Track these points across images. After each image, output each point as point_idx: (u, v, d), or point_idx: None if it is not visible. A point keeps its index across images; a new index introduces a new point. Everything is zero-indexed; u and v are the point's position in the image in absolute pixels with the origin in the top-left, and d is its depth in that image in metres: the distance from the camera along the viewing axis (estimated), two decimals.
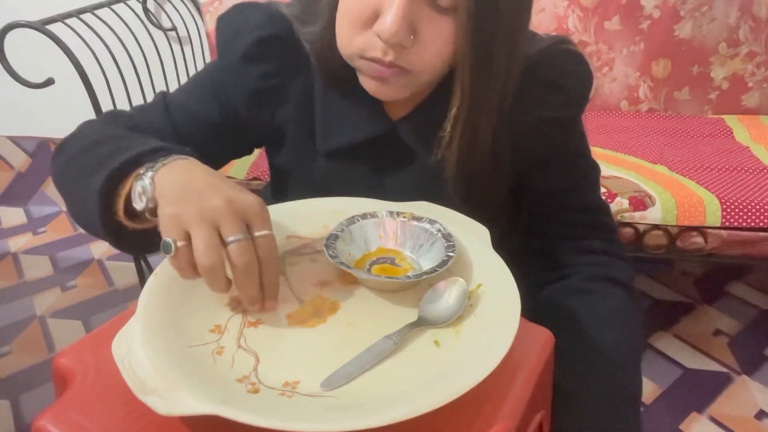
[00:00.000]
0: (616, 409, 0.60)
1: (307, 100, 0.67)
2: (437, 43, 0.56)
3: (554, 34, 0.74)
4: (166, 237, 0.45)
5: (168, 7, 1.89)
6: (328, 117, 0.67)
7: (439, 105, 0.62)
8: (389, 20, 0.53)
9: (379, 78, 0.58)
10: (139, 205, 0.51)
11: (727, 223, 1.24)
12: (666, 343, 1.55)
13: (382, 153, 0.67)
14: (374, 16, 0.55)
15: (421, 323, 0.48)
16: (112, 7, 1.68)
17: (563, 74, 0.66)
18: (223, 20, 0.68)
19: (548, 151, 0.67)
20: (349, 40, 0.58)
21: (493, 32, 0.55)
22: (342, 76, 0.64)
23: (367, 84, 0.60)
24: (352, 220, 0.58)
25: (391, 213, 0.58)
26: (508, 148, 0.65)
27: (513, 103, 0.62)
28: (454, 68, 0.59)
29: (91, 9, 1.59)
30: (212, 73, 0.70)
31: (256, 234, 0.46)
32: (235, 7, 0.68)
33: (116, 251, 2.00)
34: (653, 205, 1.27)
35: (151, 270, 1.66)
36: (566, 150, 0.69)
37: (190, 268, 0.45)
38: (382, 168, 0.68)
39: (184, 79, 1.90)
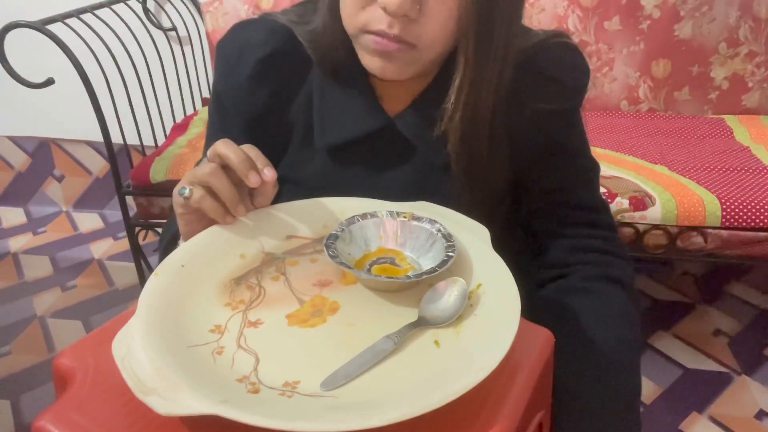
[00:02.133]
0: (616, 409, 0.60)
1: (307, 103, 0.68)
2: (442, 15, 0.56)
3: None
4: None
5: (168, 7, 1.89)
6: (327, 114, 0.67)
7: (436, 98, 0.63)
8: None
9: (384, 54, 0.58)
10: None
11: (727, 223, 1.24)
12: (666, 343, 1.55)
13: (380, 149, 0.67)
14: None
15: (421, 323, 0.48)
16: (112, 7, 1.68)
17: (559, 66, 0.66)
18: (224, 43, 0.69)
19: (546, 144, 0.67)
20: (354, 16, 0.58)
21: (494, 3, 0.57)
22: (342, 67, 0.64)
23: (371, 63, 0.60)
24: (352, 220, 0.58)
25: (391, 213, 0.58)
26: (506, 139, 0.65)
27: (510, 96, 0.63)
28: (451, 58, 0.60)
29: (91, 9, 1.59)
30: (218, 120, 0.72)
31: None
32: (234, 29, 0.69)
33: (116, 251, 2.00)
34: (653, 205, 1.27)
35: (151, 270, 1.66)
36: (564, 145, 0.69)
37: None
38: (380, 164, 0.68)
39: (184, 79, 1.90)
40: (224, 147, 0.54)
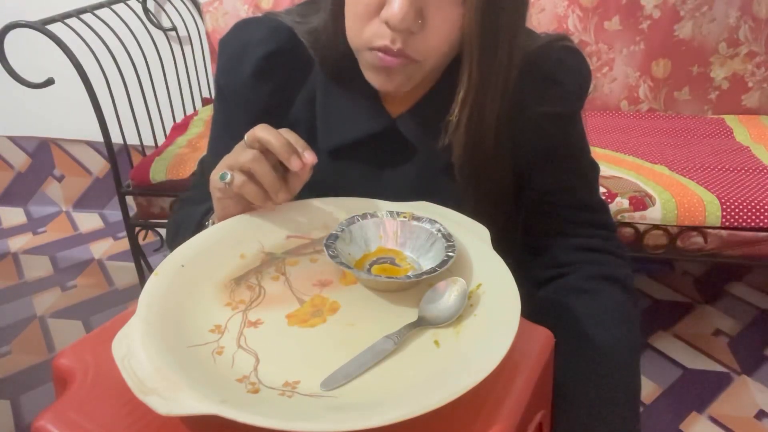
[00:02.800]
0: (616, 408, 0.60)
1: (310, 103, 0.68)
2: (444, 28, 0.56)
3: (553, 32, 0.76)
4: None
5: (168, 7, 1.89)
6: (329, 115, 0.67)
7: (439, 100, 0.63)
8: (397, 6, 0.53)
9: (385, 69, 0.58)
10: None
11: (727, 223, 1.24)
12: (666, 343, 1.55)
13: (382, 150, 0.67)
14: (381, 4, 0.55)
15: (421, 323, 0.48)
16: (112, 7, 1.68)
17: (561, 70, 0.66)
18: (227, 41, 0.69)
19: (547, 147, 0.67)
20: (358, 32, 0.58)
21: (498, 15, 0.56)
22: (344, 70, 0.64)
23: (373, 78, 0.60)
24: (352, 220, 0.58)
25: (391, 213, 0.58)
26: (509, 142, 0.65)
27: (512, 99, 0.63)
28: (455, 60, 0.60)
29: (91, 9, 1.59)
30: (222, 117, 0.72)
31: None
32: (237, 27, 0.69)
33: (116, 251, 2.00)
34: (653, 205, 1.27)
35: (151, 270, 1.66)
36: (565, 147, 0.69)
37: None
38: (382, 165, 0.68)
39: (184, 79, 1.90)
40: (264, 132, 0.55)
